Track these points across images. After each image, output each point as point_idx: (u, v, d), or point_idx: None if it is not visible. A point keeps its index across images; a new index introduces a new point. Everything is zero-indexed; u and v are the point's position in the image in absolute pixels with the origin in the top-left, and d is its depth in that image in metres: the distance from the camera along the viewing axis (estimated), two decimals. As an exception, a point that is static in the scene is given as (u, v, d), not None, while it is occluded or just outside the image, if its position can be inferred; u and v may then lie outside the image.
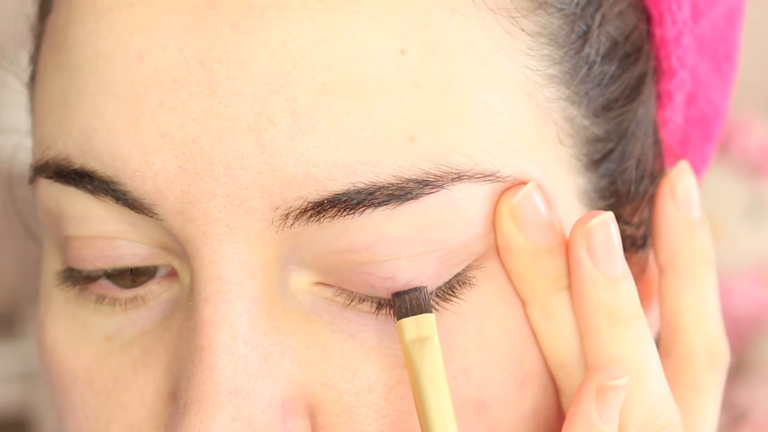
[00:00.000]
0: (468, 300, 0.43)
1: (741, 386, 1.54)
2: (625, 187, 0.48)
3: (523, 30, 0.44)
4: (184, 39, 0.42)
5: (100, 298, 0.46)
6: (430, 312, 0.42)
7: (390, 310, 0.43)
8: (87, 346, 0.46)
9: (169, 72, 0.42)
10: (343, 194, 0.41)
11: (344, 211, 0.41)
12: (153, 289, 0.45)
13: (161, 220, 0.43)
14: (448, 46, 0.42)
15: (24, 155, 0.67)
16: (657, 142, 0.50)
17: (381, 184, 0.41)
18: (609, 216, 0.44)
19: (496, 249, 0.44)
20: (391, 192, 0.41)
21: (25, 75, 0.54)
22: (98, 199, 0.44)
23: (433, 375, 0.41)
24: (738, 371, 1.59)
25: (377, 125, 0.41)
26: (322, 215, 0.41)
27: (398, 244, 0.42)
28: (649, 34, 0.49)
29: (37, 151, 0.46)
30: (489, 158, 0.43)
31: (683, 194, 0.47)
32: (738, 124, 2.09)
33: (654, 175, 0.50)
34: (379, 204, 0.41)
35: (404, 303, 0.42)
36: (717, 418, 0.47)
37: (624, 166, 0.48)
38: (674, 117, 0.51)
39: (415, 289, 0.42)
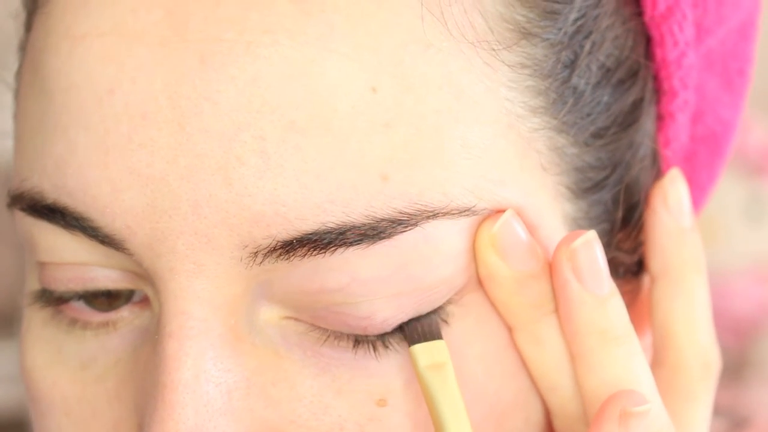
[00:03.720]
0: (445, 338, 0.43)
1: (741, 387, 1.54)
2: (619, 214, 0.48)
3: (504, 62, 0.43)
4: (154, 72, 0.41)
5: (73, 322, 0.46)
6: (441, 338, 0.42)
7: (369, 345, 0.42)
8: (63, 373, 0.46)
9: (138, 107, 0.41)
10: (312, 234, 0.41)
11: (314, 250, 0.41)
12: (124, 315, 0.45)
13: (131, 254, 0.43)
14: (422, 82, 0.41)
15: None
16: (656, 165, 0.50)
17: (352, 224, 0.41)
18: (592, 235, 0.43)
19: (477, 280, 0.43)
20: (363, 231, 0.41)
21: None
22: (70, 233, 0.44)
23: (452, 401, 0.41)
24: (738, 371, 1.59)
25: (348, 165, 0.41)
26: (291, 254, 0.41)
27: (374, 284, 0.42)
28: (649, 56, 0.48)
29: (16, 179, 0.46)
30: (464, 193, 0.42)
31: (675, 202, 0.47)
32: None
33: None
34: (351, 243, 0.41)
35: (416, 329, 0.42)
36: (708, 425, 0.46)
37: (618, 193, 0.47)
38: (678, 135, 0.50)
39: (426, 315, 0.42)
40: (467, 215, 0.42)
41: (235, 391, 0.42)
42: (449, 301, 0.43)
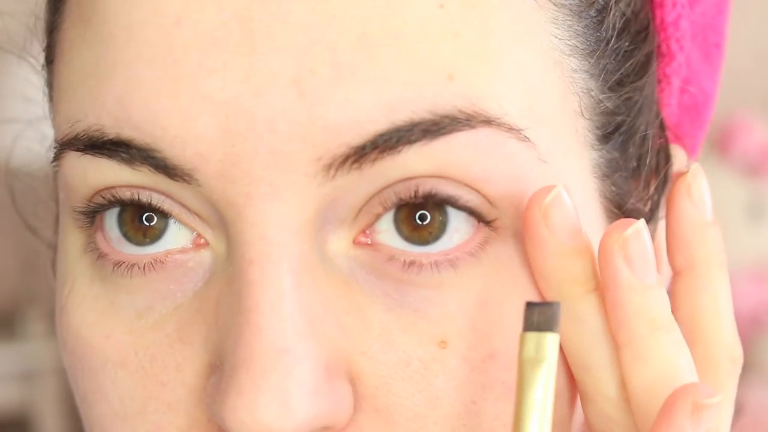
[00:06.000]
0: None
1: (741, 387, 1.54)
2: (633, 161, 0.49)
3: (550, 0, 0.45)
4: (222, 0, 0.42)
5: (117, 264, 0.45)
6: (556, 332, 0.41)
7: (433, 268, 0.43)
8: (117, 325, 0.45)
9: (208, 34, 0.42)
10: (384, 134, 0.41)
11: (384, 152, 0.42)
12: (176, 257, 0.45)
13: (200, 186, 0.43)
14: (483, 3, 0.43)
15: (21, 150, 0.68)
16: (660, 120, 0.51)
17: (418, 120, 0.42)
18: (642, 224, 0.44)
19: (510, 230, 0.44)
20: (425, 128, 0.42)
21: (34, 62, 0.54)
22: (133, 169, 0.43)
23: (540, 402, 0.41)
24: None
25: (417, 66, 0.42)
26: (362, 160, 0.42)
27: None
28: (652, 17, 0.50)
29: (62, 127, 0.45)
30: (517, 114, 0.43)
31: (699, 195, 0.48)
32: (738, 124, 2.10)
33: (660, 152, 0.51)
34: (415, 140, 0.42)
35: (533, 314, 0.41)
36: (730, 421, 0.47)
37: (632, 139, 0.49)
38: (670, 101, 0.52)
39: (549, 304, 0.42)
40: (517, 138, 0.43)
41: (314, 316, 0.42)
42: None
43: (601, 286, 0.44)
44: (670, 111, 0.51)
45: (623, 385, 0.44)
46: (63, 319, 0.47)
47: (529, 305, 0.41)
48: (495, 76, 0.43)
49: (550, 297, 0.43)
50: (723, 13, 0.54)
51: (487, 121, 0.42)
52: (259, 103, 0.41)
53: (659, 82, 0.50)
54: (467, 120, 0.42)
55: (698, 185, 0.48)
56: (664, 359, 0.43)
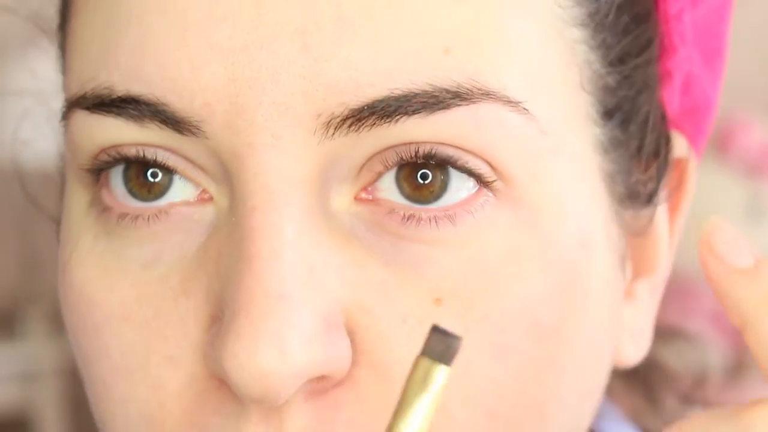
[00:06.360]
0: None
1: (741, 387, 1.54)
2: (635, 141, 0.49)
3: None
4: None
5: (122, 216, 0.46)
6: (449, 366, 0.41)
7: (432, 222, 0.44)
8: (122, 278, 0.46)
9: None
10: (381, 100, 0.42)
11: (382, 119, 0.42)
12: (182, 210, 0.45)
13: (207, 138, 0.43)
14: None
15: (27, 154, 0.68)
16: (662, 110, 0.51)
17: (416, 92, 0.42)
18: (717, 218, 0.43)
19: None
20: (424, 100, 0.42)
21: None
22: (141, 126, 0.44)
23: (417, 427, 0.40)
24: (738, 371, 1.59)
25: (417, 34, 0.42)
26: (361, 123, 0.42)
27: None
28: (655, 8, 0.50)
29: (73, 86, 0.46)
30: (517, 87, 0.44)
31: (724, 248, 0.45)
32: (738, 124, 2.09)
33: (661, 136, 0.51)
34: (414, 112, 0.42)
35: (435, 341, 0.40)
36: None
37: (634, 119, 0.49)
38: (672, 99, 0.52)
39: (452, 336, 0.41)
40: (517, 111, 0.43)
41: (314, 267, 0.43)
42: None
43: None
44: (672, 111, 0.51)
45: None
46: (66, 277, 0.47)
47: (434, 330, 0.40)
48: (494, 47, 0.43)
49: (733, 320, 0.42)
50: (724, 20, 0.54)
51: (486, 95, 0.43)
52: (264, 53, 0.42)
53: (662, 77, 0.50)
54: (466, 94, 0.42)
55: (719, 237, 0.44)
56: None
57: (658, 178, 0.51)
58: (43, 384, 2.28)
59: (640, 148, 0.49)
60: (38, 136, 0.65)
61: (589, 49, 0.46)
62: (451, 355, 0.40)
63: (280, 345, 0.41)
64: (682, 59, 0.51)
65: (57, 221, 0.52)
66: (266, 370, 0.41)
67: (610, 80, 0.47)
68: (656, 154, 0.51)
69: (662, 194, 0.51)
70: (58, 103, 0.49)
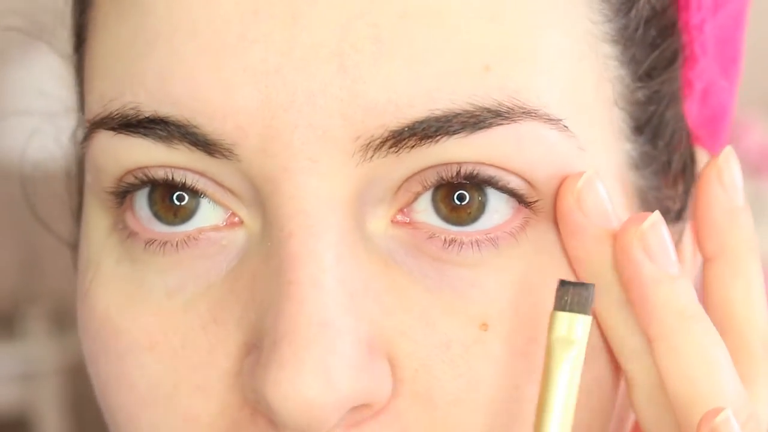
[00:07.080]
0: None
1: (741, 386, 1.54)
2: (663, 156, 0.49)
3: None
4: None
5: (149, 243, 0.45)
6: (589, 315, 0.41)
7: (472, 246, 0.43)
8: (146, 307, 0.45)
9: (249, 5, 0.42)
10: (422, 121, 0.41)
11: (422, 140, 0.41)
12: (210, 235, 0.44)
13: (239, 161, 0.42)
14: None
15: (32, 151, 0.68)
16: (685, 119, 0.50)
17: (457, 111, 0.41)
18: (657, 216, 0.44)
19: (550, 215, 0.44)
20: (465, 120, 0.42)
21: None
22: (169, 148, 0.43)
23: (566, 384, 0.40)
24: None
25: (455, 53, 0.42)
26: (401, 144, 0.41)
27: None
28: (677, 18, 0.50)
29: (95, 107, 0.45)
30: (556, 104, 0.43)
31: (730, 180, 0.47)
32: (738, 124, 2.09)
33: (687, 152, 0.50)
34: (454, 132, 0.42)
35: (566, 294, 0.41)
36: None
37: (662, 133, 0.48)
38: (692, 109, 0.51)
39: (584, 284, 0.41)
40: (557, 129, 0.43)
41: (355, 293, 0.42)
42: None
43: (624, 281, 0.44)
44: (692, 120, 0.51)
45: None
46: (87, 303, 0.46)
47: (563, 284, 0.41)
48: (532, 64, 0.43)
49: (585, 279, 0.43)
50: (740, 27, 0.54)
51: (527, 113, 0.42)
52: (300, 76, 0.41)
53: (683, 87, 0.50)
54: (507, 113, 0.42)
55: (729, 169, 0.47)
56: (698, 349, 0.42)
57: (686, 193, 0.50)
58: (43, 384, 2.28)
59: (668, 164, 0.49)
60: (38, 136, 0.65)
61: (620, 65, 0.46)
62: (589, 303, 0.40)
63: (325, 374, 0.40)
64: (703, 69, 0.50)
65: (55, 228, 0.52)
66: (311, 400, 0.40)
67: (640, 95, 0.47)
68: (683, 169, 0.50)
69: (690, 210, 0.50)
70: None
